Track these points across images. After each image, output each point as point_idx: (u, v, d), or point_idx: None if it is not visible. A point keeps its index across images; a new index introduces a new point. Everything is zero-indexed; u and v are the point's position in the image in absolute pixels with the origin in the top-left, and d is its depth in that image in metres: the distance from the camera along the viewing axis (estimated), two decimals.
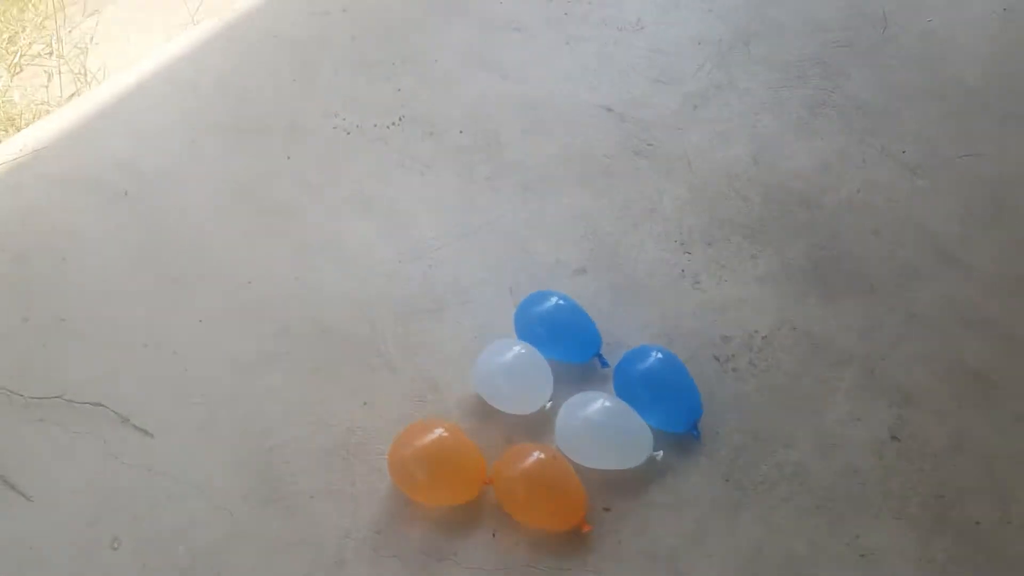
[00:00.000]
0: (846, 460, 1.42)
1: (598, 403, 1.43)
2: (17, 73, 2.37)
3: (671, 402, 1.46)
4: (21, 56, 2.39)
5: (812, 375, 1.52)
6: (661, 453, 1.42)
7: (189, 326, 1.68)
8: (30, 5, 2.52)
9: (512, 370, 1.48)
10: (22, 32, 2.45)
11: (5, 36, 2.42)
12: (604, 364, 1.55)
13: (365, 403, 1.54)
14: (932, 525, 1.35)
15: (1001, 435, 1.43)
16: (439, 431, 1.39)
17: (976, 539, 1.34)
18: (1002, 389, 1.48)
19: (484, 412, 1.52)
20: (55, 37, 2.42)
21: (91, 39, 2.44)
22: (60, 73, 2.32)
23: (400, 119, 2.01)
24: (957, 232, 1.69)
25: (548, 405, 1.49)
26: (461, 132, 1.99)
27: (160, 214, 1.86)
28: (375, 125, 2.00)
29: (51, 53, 2.40)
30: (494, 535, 1.38)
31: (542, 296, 1.57)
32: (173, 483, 1.47)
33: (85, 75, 2.32)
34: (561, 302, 1.56)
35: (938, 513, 1.36)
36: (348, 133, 1.99)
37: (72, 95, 2.27)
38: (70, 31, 2.47)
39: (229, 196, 1.89)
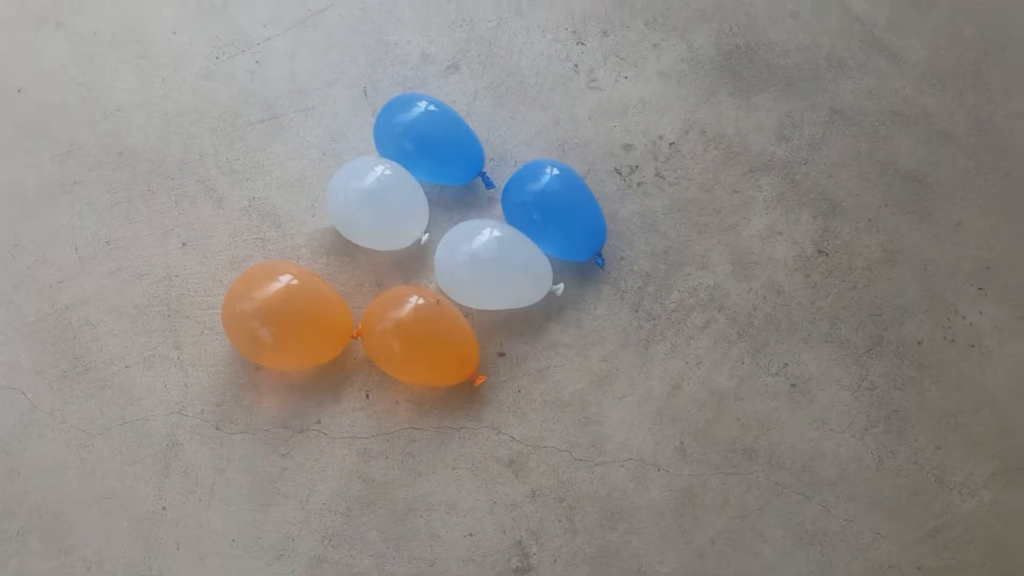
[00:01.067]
0: (768, 280, 1.24)
1: (485, 232, 1.16)
2: None
3: (572, 228, 1.21)
4: None
5: (725, 185, 1.31)
6: (561, 286, 1.19)
7: None
8: None
9: (376, 197, 1.17)
10: None
11: None
12: (489, 185, 1.27)
13: (184, 244, 1.21)
14: (869, 348, 1.21)
15: (939, 243, 1.27)
16: (286, 277, 1.09)
17: (919, 360, 1.20)
18: (937, 192, 1.31)
19: (344, 250, 1.23)
20: None
21: None
22: None
23: None
24: (886, 16, 1.45)
25: (424, 238, 1.21)
26: None
27: None
28: None
29: None
30: (367, 396, 1.14)
31: (408, 101, 1.25)
32: None
33: None
34: (433, 108, 1.24)
35: (874, 334, 1.22)
36: None
37: None
38: None
39: None
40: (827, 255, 1.27)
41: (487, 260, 1.15)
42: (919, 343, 1.21)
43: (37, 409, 1.11)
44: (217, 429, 1.11)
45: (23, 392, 1.11)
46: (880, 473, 1.14)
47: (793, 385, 1.18)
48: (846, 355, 1.20)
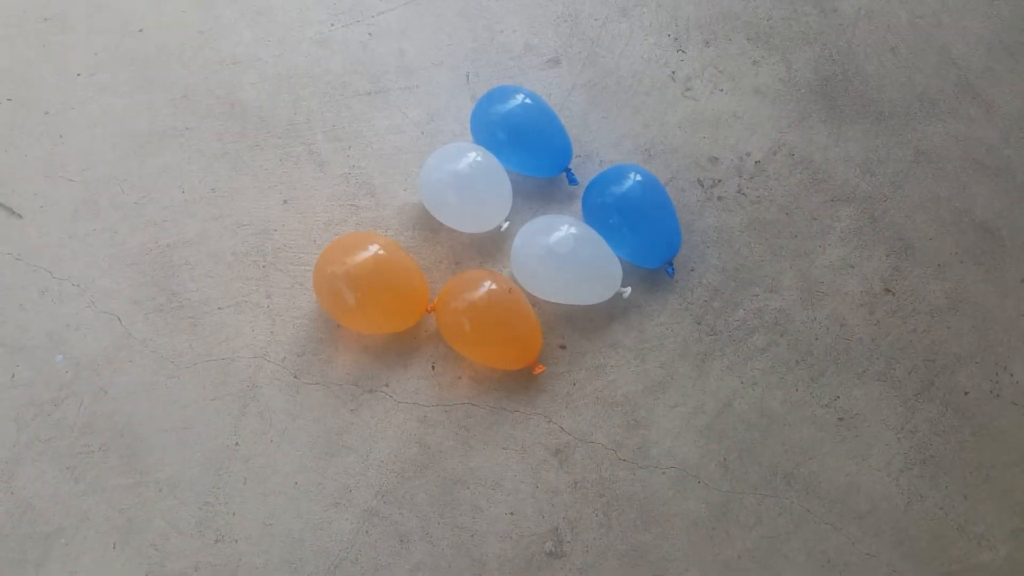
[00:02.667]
0: (833, 311, 1.27)
1: (563, 229, 1.21)
2: None
3: (646, 235, 1.25)
4: None
5: (805, 211, 1.34)
6: (629, 290, 1.24)
7: (65, 80, 1.35)
8: None
9: (465, 181, 1.22)
10: None
11: None
12: (573, 181, 1.31)
13: (285, 201, 1.28)
14: (918, 391, 1.24)
15: (1001, 298, 1.29)
16: (375, 247, 1.16)
17: (963, 410, 1.23)
18: (1009, 247, 1.32)
19: (429, 226, 1.29)
20: None
21: None
22: None
23: None
24: (982, 62, 1.45)
25: (505, 225, 1.26)
26: None
27: None
28: None
29: None
30: (433, 368, 1.21)
31: (505, 93, 1.29)
32: (47, 278, 1.22)
33: None
34: (528, 102, 1.28)
35: (926, 378, 1.25)
36: None
37: None
38: None
39: None
40: (894, 295, 1.29)
41: (561, 255, 1.20)
42: (966, 393, 1.24)
43: (131, 336, 1.19)
44: (295, 378, 1.18)
45: (119, 318, 1.20)
46: (907, 514, 1.17)
47: (841, 419, 1.21)
48: (896, 396, 1.23)
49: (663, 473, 1.17)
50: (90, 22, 1.39)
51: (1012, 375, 1.25)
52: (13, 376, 1.16)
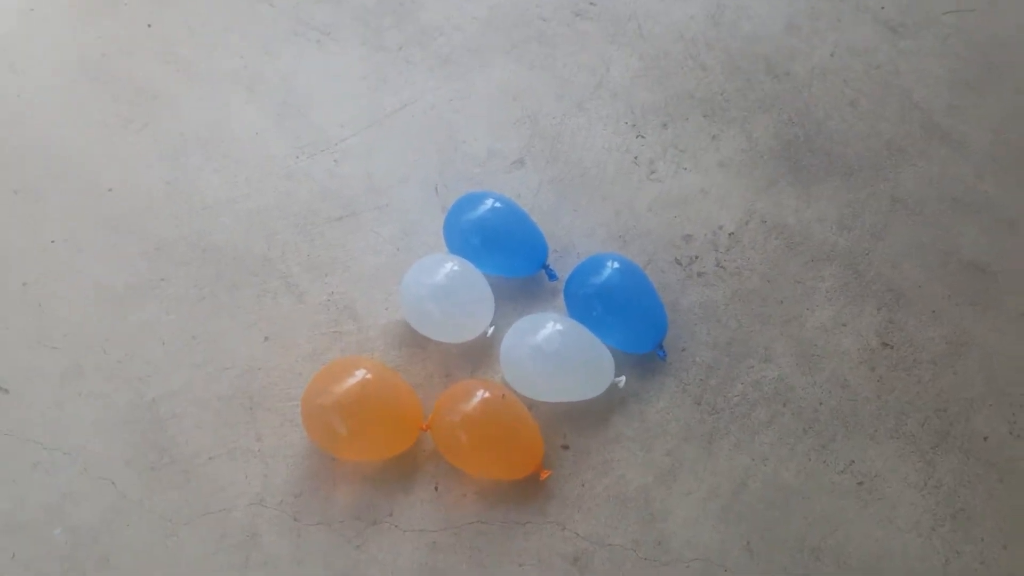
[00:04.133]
0: (833, 373, 1.25)
1: (548, 326, 1.19)
2: None
3: (633, 320, 1.24)
4: None
5: (787, 276, 1.33)
6: (623, 379, 1.22)
7: (39, 249, 1.36)
8: None
9: (445, 292, 1.22)
10: None
11: None
12: (552, 277, 1.31)
13: (267, 338, 1.27)
14: (935, 444, 1.20)
15: (1003, 335, 1.27)
16: (361, 372, 1.14)
17: (986, 457, 1.19)
18: (1002, 282, 1.31)
19: (415, 342, 1.27)
20: None
21: None
22: None
23: None
24: (945, 101, 1.47)
25: (491, 330, 1.25)
26: None
27: None
28: None
29: None
30: (436, 489, 1.17)
31: (474, 199, 1.30)
32: (38, 450, 1.20)
33: None
34: (498, 205, 1.29)
35: (940, 429, 1.21)
36: None
37: None
38: None
39: (79, 80, 1.52)
40: (892, 348, 1.27)
41: (550, 353, 1.18)
42: (985, 438, 1.20)
43: (126, 498, 1.17)
44: (295, 520, 1.15)
45: (113, 482, 1.18)
46: (947, 573, 1.12)
47: (860, 483, 1.18)
48: (912, 451, 1.20)
49: (687, 566, 1.12)
50: (59, 188, 1.41)
51: None
52: (14, 556, 1.13)
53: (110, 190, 1.41)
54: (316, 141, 1.45)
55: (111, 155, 1.45)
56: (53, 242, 1.36)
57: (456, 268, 1.24)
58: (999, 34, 1.57)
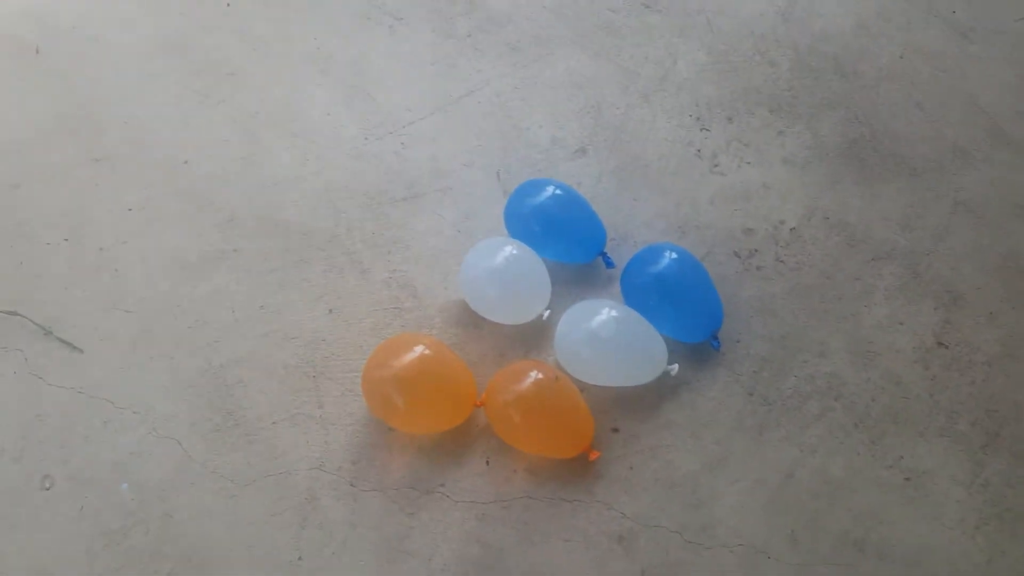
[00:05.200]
0: (887, 370, 1.25)
1: (604, 313, 1.22)
2: None
3: (687, 310, 1.26)
4: None
5: (847, 273, 1.33)
6: (676, 367, 1.23)
7: (117, 216, 1.42)
8: None
9: (504, 275, 1.25)
10: None
11: None
12: (609, 264, 1.33)
13: (331, 311, 1.32)
14: (984, 444, 1.20)
15: None
16: (420, 348, 1.18)
17: None
18: None
19: (472, 322, 1.31)
20: None
21: None
22: None
23: None
24: (1012, 107, 1.46)
25: (546, 314, 1.28)
26: None
27: (78, 77, 1.57)
28: None
29: None
30: (488, 463, 1.21)
31: (536, 186, 1.33)
32: (109, 408, 1.26)
33: None
34: (559, 192, 1.32)
35: (991, 430, 1.21)
36: None
37: None
38: None
39: (159, 54, 1.59)
40: (947, 348, 1.27)
41: (604, 339, 1.21)
42: None
43: (191, 459, 1.22)
44: (352, 486, 1.19)
45: (179, 442, 1.23)
46: (990, 572, 1.12)
47: (907, 479, 1.18)
48: (961, 450, 1.20)
49: (731, 552, 1.14)
50: (138, 159, 1.47)
51: None
52: (82, 508, 1.19)
53: (186, 162, 1.47)
54: (384, 123, 1.49)
55: (188, 128, 1.51)
56: (130, 210, 1.42)
57: (515, 252, 1.27)
58: None
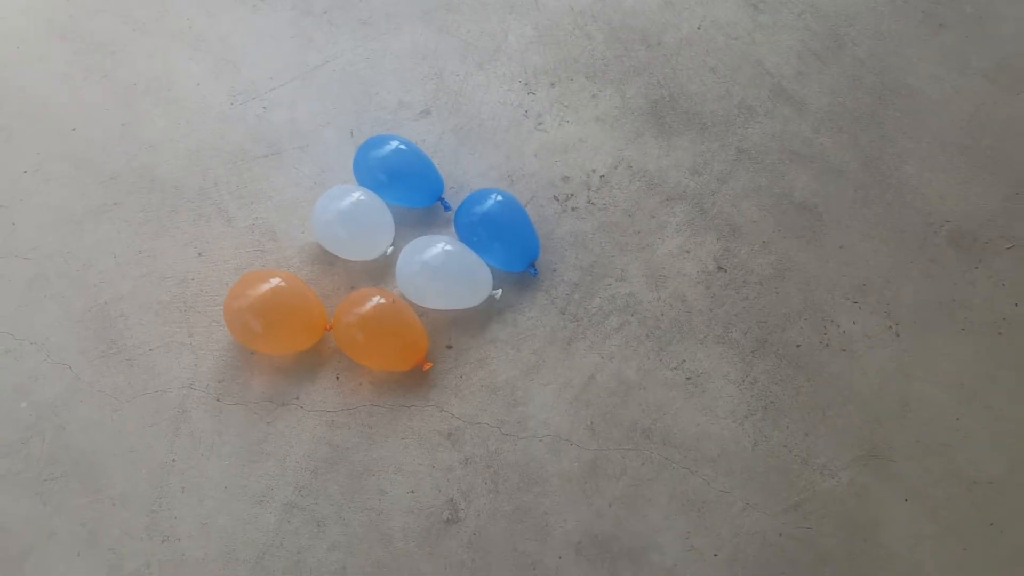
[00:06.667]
0: (675, 291, 1.49)
1: (437, 246, 1.43)
2: None
3: (509, 242, 1.48)
4: None
5: (645, 211, 1.57)
6: (500, 292, 1.46)
7: (13, 178, 1.58)
8: None
9: (351, 217, 1.45)
10: None
11: None
12: (447, 208, 1.55)
13: (200, 254, 1.51)
14: (754, 348, 1.45)
15: (822, 263, 1.52)
16: (274, 280, 1.38)
17: (796, 361, 1.44)
18: (826, 220, 1.56)
19: (326, 260, 1.51)
20: None
21: None
22: None
23: None
24: (794, 69, 1.72)
25: (390, 250, 1.49)
26: None
27: None
28: None
29: None
30: (337, 378, 1.41)
31: (381, 140, 1.53)
32: (9, 340, 1.43)
33: None
34: (401, 146, 1.52)
35: (760, 337, 1.46)
36: None
37: None
38: None
39: (51, 36, 1.75)
40: (726, 271, 1.51)
41: (437, 268, 1.42)
42: (797, 346, 1.45)
43: (80, 380, 1.40)
44: (218, 400, 1.39)
45: (70, 367, 1.41)
46: (755, 454, 1.37)
47: (688, 378, 1.42)
48: (734, 354, 1.44)
49: (540, 441, 1.37)
50: (30, 128, 1.64)
51: (839, 327, 1.47)
52: None
53: (73, 130, 1.64)
54: (247, 91, 1.68)
55: (75, 100, 1.67)
56: (25, 172, 1.59)
57: (361, 196, 1.47)
58: (848, 10, 1.81)
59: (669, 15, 1.80)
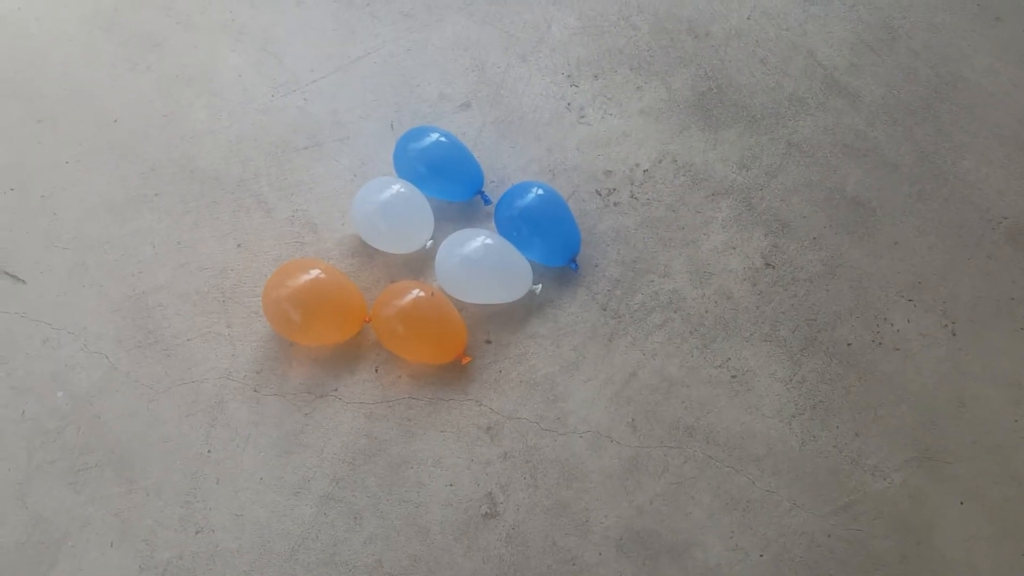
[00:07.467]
0: (720, 287, 1.45)
1: (477, 240, 1.41)
2: None
3: (549, 237, 1.45)
4: None
5: (690, 206, 1.53)
6: (540, 287, 1.43)
7: (56, 168, 1.59)
8: None
9: (390, 209, 1.44)
10: None
11: None
12: (487, 201, 1.52)
13: (239, 245, 1.50)
14: (803, 347, 1.40)
15: (875, 259, 1.47)
16: (313, 271, 1.36)
17: (847, 359, 1.40)
18: (879, 215, 1.51)
19: (366, 252, 1.50)
20: None
21: None
22: None
23: None
24: (847, 61, 1.67)
25: (429, 243, 1.47)
26: None
27: (18, 48, 1.73)
28: None
29: None
30: (376, 371, 1.40)
31: (421, 132, 1.52)
32: (47, 329, 1.43)
33: None
34: (442, 139, 1.50)
35: (809, 336, 1.41)
36: None
37: None
38: None
39: (94, 30, 1.76)
40: (774, 268, 1.47)
41: (477, 261, 1.39)
42: (848, 344, 1.40)
43: (117, 370, 1.40)
44: (255, 391, 1.38)
45: (107, 356, 1.41)
46: (803, 453, 1.32)
47: (733, 376, 1.38)
48: (782, 352, 1.40)
49: (580, 437, 1.34)
50: (74, 118, 1.65)
51: (892, 324, 1.42)
52: (23, 412, 1.37)
53: (115, 120, 1.64)
54: (289, 82, 1.68)
55: (118, 92, 1.68)
56: (67, 163, 1.59)
57: (401, 189, 1.45)
58: (901, 2, 1.76)
59: (717, 5, 1.76)
